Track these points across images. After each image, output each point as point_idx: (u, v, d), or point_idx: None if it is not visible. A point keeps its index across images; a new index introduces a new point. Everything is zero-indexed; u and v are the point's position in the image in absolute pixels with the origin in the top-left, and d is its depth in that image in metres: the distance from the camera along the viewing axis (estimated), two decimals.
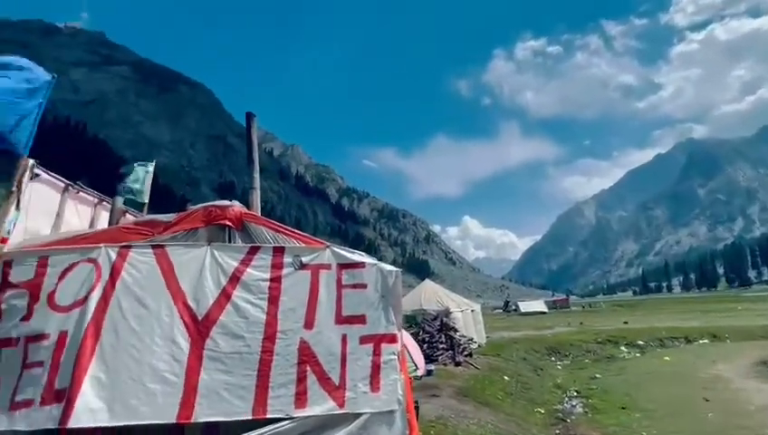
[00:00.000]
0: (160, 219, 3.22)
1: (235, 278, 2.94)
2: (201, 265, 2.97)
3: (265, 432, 2.50)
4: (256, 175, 3.71)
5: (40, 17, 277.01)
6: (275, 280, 3.00)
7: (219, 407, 2.55)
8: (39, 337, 2.55)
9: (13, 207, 3.53)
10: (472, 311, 19.54)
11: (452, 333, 14.35)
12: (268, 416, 2.61)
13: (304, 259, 3.11)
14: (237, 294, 2.89)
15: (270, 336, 2.80)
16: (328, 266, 3.12)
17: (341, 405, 2.73)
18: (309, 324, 2.91)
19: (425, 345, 13.07)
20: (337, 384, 2.77)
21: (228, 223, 3.24)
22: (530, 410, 10.48)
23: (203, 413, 2.51)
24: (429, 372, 11.49)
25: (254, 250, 3.08)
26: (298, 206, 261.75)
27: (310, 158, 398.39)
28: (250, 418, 2.58)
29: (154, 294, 2.78)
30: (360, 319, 3.00)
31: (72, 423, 2.30)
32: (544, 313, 53.52)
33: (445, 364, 12.87)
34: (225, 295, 2.87)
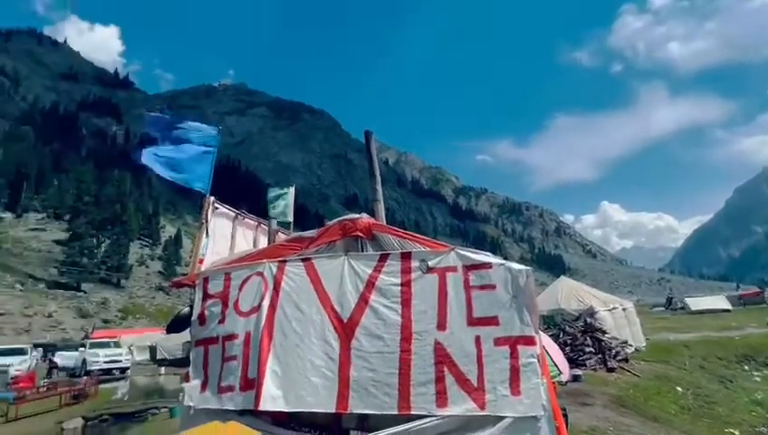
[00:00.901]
0: (305, 235, 3.75)
1: (370, 284, 3.22)
2: (341, 274, 3.34)
3: (413, 428, 2.68)
4: (378, 187, 3.99)
5: (202, 82, 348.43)
6: (406, 284, 3.18)
7: (368, 401, 2.84)
8: (232, 336, 3.26)
9: (204, 235, 4.56)
10: (623, 309, 16.97)
11: (599, 334, 12.74)
12: (412, 412, 2.79)
13: (431, 263, 3.22)
14: (374, 298, 3.16)
15: (406, 337, 2.99)
16: (454, 269, 3.17)
17: (482, 407, 2.74)
18: (441, 326, 3.01)
19: (567, 348, 11.92)
20: (476, 386, 2.79)
21: (360, 234, 3.58)
22: (718, 430, 8.57)
23: (356, 405, 2.84)
24: (576, 378, 10.42)
25: (384, 257, 3.33)
26: (416, 209, 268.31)
27: (423, 161, 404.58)
28: (396, 413, 2.80)
29: (307, 301, 3.25)
30: (493, 320, 2.96)
31: (261, 407, 2.90)
32: (727, 310, 42.64)
33: (594, 370, 11.50)
34: (363, 300, 3.17)
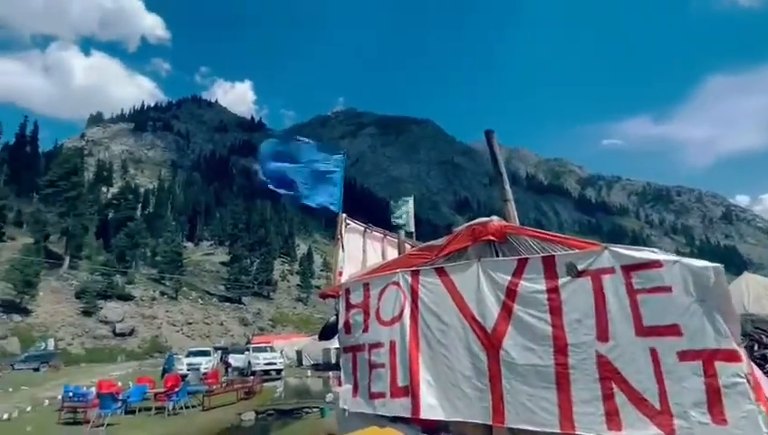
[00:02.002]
0: (434, 244, 3.74)
1: (511, 292, 3.02)
2: (477, 282, 3.22)
3: None
4: (507, 187, 3.77)
5: (317, 113, 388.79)
6: (552, 291, 2.89)
7: (526, 416, 2.64)
8: (377, 345, 3.42)
9: (340, 250, 4.95)
10: None
11: None
12: (577, 432, 2.49)
13: (580, 265, 2.87)
14: (517, 307, 2.95)
15: (560, 349, 2.70)
16: (610, 270, 2.75)
17: (670, 434, 2.28)
18: (603, 337, 2.63)
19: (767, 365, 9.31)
20: (658, 408, 2.34)
21: (492, 238, 3.41)
22: None
23: (513, 420, 2.66)
24: None
25: (522, 262, 3.10)
26: (535, 207, 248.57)
27: (537, 155, 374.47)
28: (558, 431, 2.53)
29: (447, 311, 3.21)
30: (672, 330, 2.46)
31: (421, 415, 2.96)
32: None
33: None
34: (505, 309, 2.99)
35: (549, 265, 2.96)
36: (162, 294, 63.16)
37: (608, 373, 2.53)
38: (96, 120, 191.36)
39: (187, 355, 22.83)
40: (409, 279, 3.56)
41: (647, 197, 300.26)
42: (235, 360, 22.90)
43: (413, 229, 6.53)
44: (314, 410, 10.84)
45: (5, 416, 11.80)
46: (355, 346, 3.69)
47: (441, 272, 3.43)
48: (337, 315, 4.13)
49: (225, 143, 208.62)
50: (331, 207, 5.32)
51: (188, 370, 19.18)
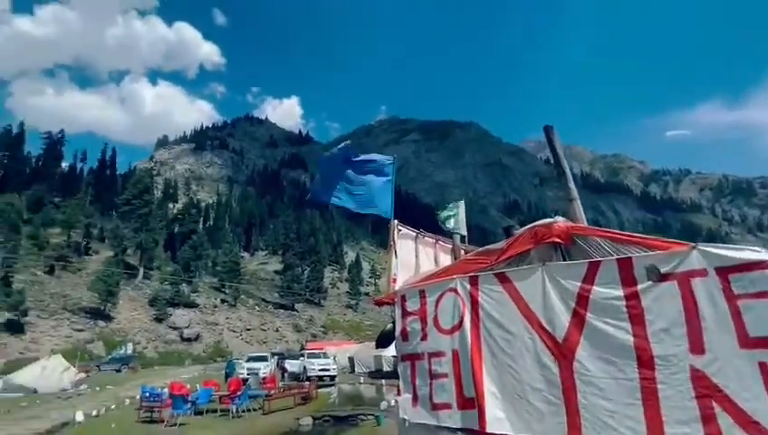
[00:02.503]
0: (493, 248, 3.57)
1: (582, 298, 2.78)
2: (542, 287, 3.01)
3: None
4: (572, 185, 3.52)
5: (361, 123, 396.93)
6: (631, 297, 2.61)
7: (607, 434, 2.39)
8: (438, 354, 3.31)
9: (393, 256, 4.91)
10: None
11: None
12: None
13: (663, 268, 2.57)
14: (591, 315, 2.71)
15: (645, 362, 2.42)
16: (701, 272, 2.44)
17: None
18: (697, 349, 2.32)
19: None
20: None
21: (557, 240, 3.18)
22: None
23: None
24: None
25: (594, 266, 2.85)
26: (592, 207, 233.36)
27: (592, 152, 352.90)
28: None
29: (510, 319, 3.03)
30: None
31: (488, 428, 2.80)
32: None
33: None
34: (577, 317, 2.76)
35: (625, 269, 2.69)
36: (223, 301, 67.18)
37: (706, 391, 2.22)
38: (162, 142, 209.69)
39: (247, 360, 23.95)
40: (468, 286, 3.42)
41: (723, 191, 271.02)
42: (291, 365, 23.64)
43: (465, 233, 6.34)
44: (369, 417, 10.84)
45: (94, 412, 13.08)
46: (413, 354, 3.60)
47: (502, 278, 3.26)
48: (393, 323, 4.07)
49: (276, 157, 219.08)
50: (384, 214, 5.31)
51: (248, 374, 20.10)
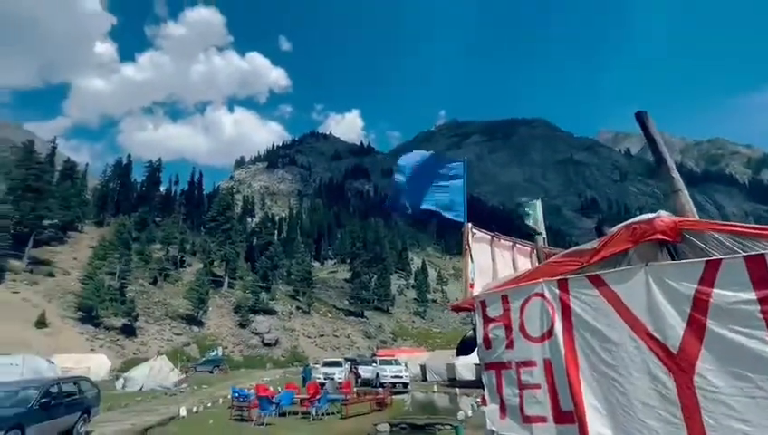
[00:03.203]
0: (584, 248, 3.29)
1: (700, 302, 2.43)
2: (647, 291, 2.69)
3: None
4: (675, 174, 3.13)
5: (420, 130, 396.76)
6: (766, 301, 2.22)
7: None
8: (528, 363, 3.10)
9: (469, 261, 4.77)
10: None
11: None
12: None
13: None
14: (712, 322, 2.35)
15: None
16: None
17: None
18: None
19: None
20: None
21: (662, 237, 2.83)
22: None
23: None
24: None
25: (713, 265, 2.47)
26: None
27: (683, 139, 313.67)
28: None
29: (610, 326, 2.74)
30: None
31: None
32: None
33: None
34: (695, 324, 2.41)
35: (757, 268, 2.30)
36: (298, 308, 70.97)
37: None
38: (240, 163, 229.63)
39: (323, 365, 24.90)
40: (557, 290, 3.18)
41: None
42: (364, 371, 24.08)
43: (543, 233, 5.97)
44: (446, 427, 10.57)
45: (194, 409, 14.51)
46: (498, 363, 3.42)
47: (597, 281, 2.98)
48: (474, 330, 3.93)
49: (341, 169, 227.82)
50: (456, 218, 5.19)
51: (325, 379, 20.87)
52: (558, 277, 3.28)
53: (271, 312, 65.99)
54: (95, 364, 27.78)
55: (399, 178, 5.12)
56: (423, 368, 28.11)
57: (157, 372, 24.50)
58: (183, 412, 13.59)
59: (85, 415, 10.01)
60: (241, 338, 57.94)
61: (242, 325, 60.00)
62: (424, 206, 5.12)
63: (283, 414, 13.38)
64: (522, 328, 3.28)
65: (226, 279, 70.06)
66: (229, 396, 15.50)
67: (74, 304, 47.90)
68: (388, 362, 23.17)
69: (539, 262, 4.41)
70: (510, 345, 3.34)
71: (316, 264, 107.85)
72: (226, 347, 53.80)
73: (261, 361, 53.59)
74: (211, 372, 37.06)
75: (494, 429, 3.37)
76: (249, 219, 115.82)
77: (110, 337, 46.64)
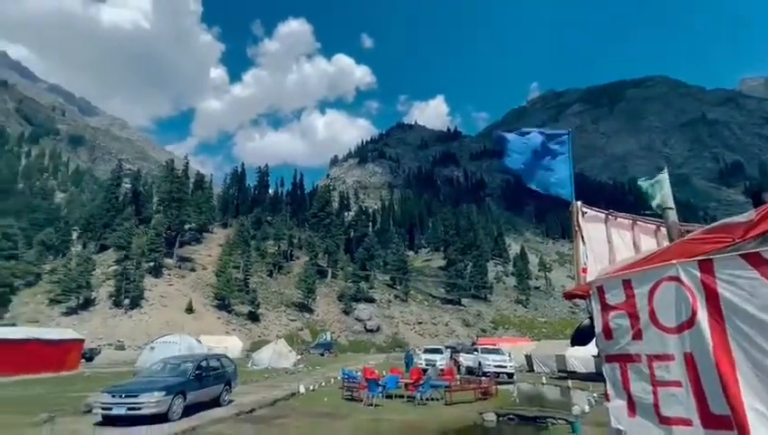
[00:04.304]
0: (736, 221, 2.72)
1: None
2: None
3: None
4: None
5: (510, 107, 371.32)
6: None
7: None
8: (663, 357, 2.70)
9: (581, 243, 4.33)
10: None
11: None
12: None
13: None
14: None
15: None
16: None
17: None
18: None
19: None
20: None
21: None
22: None
23: None
24: None
25: None
26: None
27: None
28: None
29: None
30: None
31: None
32: None
33: None
34: None
35: None
36: (395, 297, 73.32)
37: None
38: (334, 161, 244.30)
39: (424, 352, 25.35)
40: (697, 273, 2.69)
41: None
42: (465, 359, 23.83)
43: (672, 206, 5.12)
44: (560, 421, 9.86)
45: (311, 387, 16.11)
46: (623, 355, 3.05)
47: (756, 260, 2.44)
48: (590, 318, 3.57)
49: (428, 158, 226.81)
50: (562, 195, 4.75)
51: (426, 365, 21.23)
52: (699, 257, 2.78)
53: (371, 300, 69.39)
54: (231, 345, 32.63)
55: (509, 157, 4.77)
56: (529, 358, 26.70)
57: (278, 353, 27.75)
58: (302, 389, 15.19)
59: (227, 386, 11.83)
60: (346, 324, 62.21)
61: (346, 312, 64.36)
62: (528, 185, 4.78)
63: (389, 396, 14.02)
64: (652, 317, 2.86)
65: (330, 270, 75.69)
66: (339, 377, 16.80)
67: (212, 294, 56.94)
68: (491, 351, 22.54)
69: (670, 241, 3.80)
70: (637, 336, 2.94)
71: (410, 253, 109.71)
72: (334, 332, 58.32)
73: (365, 345, 56.89)
74: (322, 355, 40.60)
75: (620, 427, 3.03)
76: (346, 213, 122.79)
77: (239, 322, 54.38)
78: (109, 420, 8.53)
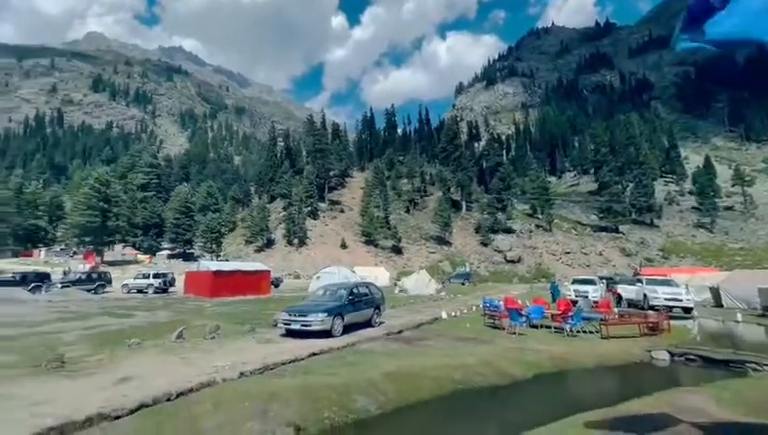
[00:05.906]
0: None
1: None
2: None
3: None
4: None
5: None
6: None
7: None
8: None
9: None
10: None
11: None
12: None
13: None
14: None
15: None
16: None
17: None
18: None
19: None
20: None
21: None
22: None
23: None
24: None
25: None
26: None
27: None
28: None
29: None
30: None
31: None
32: None
33: None
34: None
35: None
36: (537, 226, 68.76)
37: None
38: (459, 89, 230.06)
39: (572, 283, 23.46)
40: None
41: None
42: (627, 291, 21.13)
43: None
44: (766, 368, 7.87)
45: (453, 314, 16.85)
46: None
47: None
48: None
49: (571, 65, 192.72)
50: None
51: (576, 296, 19.66)
52: None
53: (509, 231, 66.89)
54: (380, 274, 36.47)
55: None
56: (715, 291, 22.05)
57: (420, 282, 29.74)
58: (444, 315, 15.99)
59: (377, 310, 13.27)
60: (484, 255, 62.12)
61: (484, 244, 63.95)
62: (713, 41, 3.04)
63: (534, 326, 13.59)
64: None
65: (464, 203, 75.12)
66: (480, 305, 17.01)
67: (359, 231, 63.79)
68: (662, 283, 19.32)
69: None
70: None
71: (552, 179, 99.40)
72: (472, 263, 59.13)
73: (506, 276, 56.23)
74: (463, 284, 41.90)
75: None
76: (476, 144, 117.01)
77: (385, 254, 60.01)
78: (290, 333, 10.64)
